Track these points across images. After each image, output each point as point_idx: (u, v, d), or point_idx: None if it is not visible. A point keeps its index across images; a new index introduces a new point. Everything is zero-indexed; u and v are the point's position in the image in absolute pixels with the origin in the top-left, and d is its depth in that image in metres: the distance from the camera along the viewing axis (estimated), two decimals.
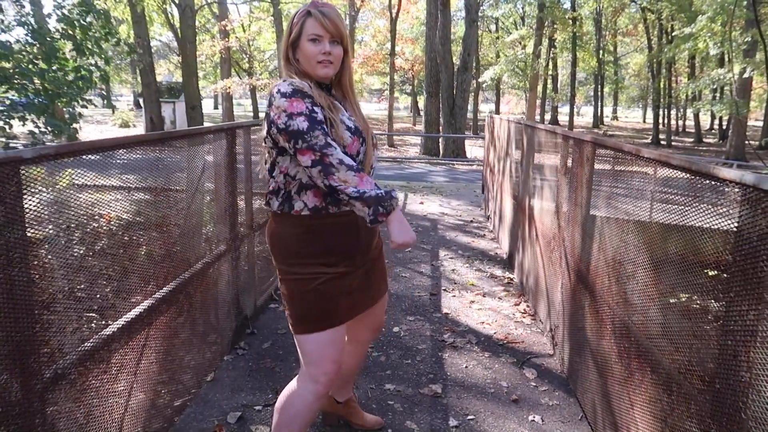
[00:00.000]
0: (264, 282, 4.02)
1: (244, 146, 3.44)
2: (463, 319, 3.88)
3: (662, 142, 29.86)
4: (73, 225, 1.87)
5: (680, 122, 38.26)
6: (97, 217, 2.10)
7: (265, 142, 1.80)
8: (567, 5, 29.94)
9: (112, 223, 2.24)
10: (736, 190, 1.46)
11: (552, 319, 3.48)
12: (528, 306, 4.13)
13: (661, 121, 31.71)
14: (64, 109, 6.74)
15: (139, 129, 23.63)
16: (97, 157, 1.95)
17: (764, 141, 21.41)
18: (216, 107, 44.13)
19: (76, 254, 1.87)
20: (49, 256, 1.73)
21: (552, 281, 3.52)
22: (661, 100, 30.76)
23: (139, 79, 25.86)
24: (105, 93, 8.75)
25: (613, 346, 2.47)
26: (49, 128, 5.76)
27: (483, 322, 3.84)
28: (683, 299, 2.13)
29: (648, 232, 2.26)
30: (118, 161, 2.16)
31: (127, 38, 21.73)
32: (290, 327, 1.94)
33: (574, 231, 3.04)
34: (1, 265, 1.49)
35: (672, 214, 1.99)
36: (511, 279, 4.80)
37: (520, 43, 32.80)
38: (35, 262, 1.65)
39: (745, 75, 17.46)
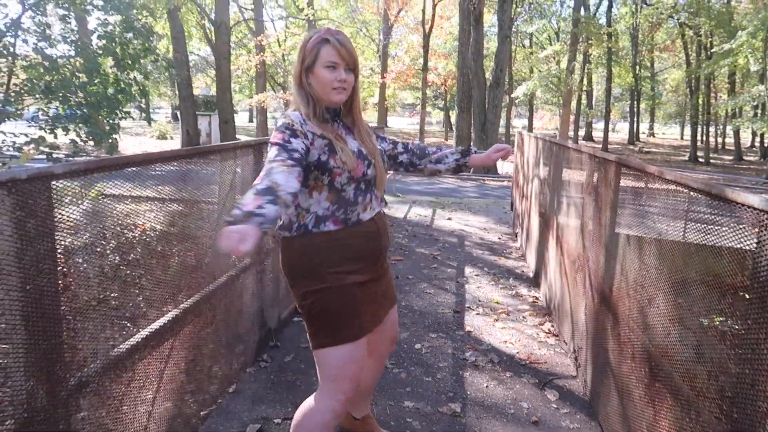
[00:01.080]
0: (288, 295, 4.07)
1: None
2: (485, 338, 3.86)
3: (700, 160, 29.17)
4: (102, 236, 1.94)
5: (719, 139, 37.34)
6: (131, 227, 2.18)
7: None
8: (602, 20, 29.67)
9: (146, 233, 2.31)
10: (753, 214, 1.44)
11: (576, 341, 3.44)
12: (552, 326, 4.08)
13: (699, 138, 31.00)
14: (105, 121, 6.99)
15: (175, 141, 24.22)
16: (133, 169, 2.03)
17: None
18: (251, 120, 44.92)
19: (104, 264, 1.94)
20: (81, 266, 1.80)
21: (576, 301, 3.48)
22: (700, 116, 30.12)
23: (177, 92, 26.56)
24: (143, 106, 9.03)
25: (635, 370, 2.42)
26: (90, 137, 5.97)
27: (506, 341, 3.81)
28: (703, 323, 2.09)
29: (670, 253, 2.23)
30: (153, 173, 2.24)
31: (165, 53, 22.40)
32: (310, 343, 1.97)
33: (598, 251, 3.01)
34: (31, 275, 1.57)
35: (695, 234, 1.96)
36: (537, 298, 4.75)
37: (554, 59, 32.60)
38: (64, 273, 1.73)
39: None
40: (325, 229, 1.85)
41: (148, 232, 2.29)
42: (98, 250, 1.94)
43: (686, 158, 30.66)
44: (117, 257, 2.07)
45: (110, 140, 6.24)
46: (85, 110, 6.36)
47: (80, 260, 1.84)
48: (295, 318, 4.08)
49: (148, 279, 2.23)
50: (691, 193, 2.02)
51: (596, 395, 2.95)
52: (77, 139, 6.11)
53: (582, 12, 24.56)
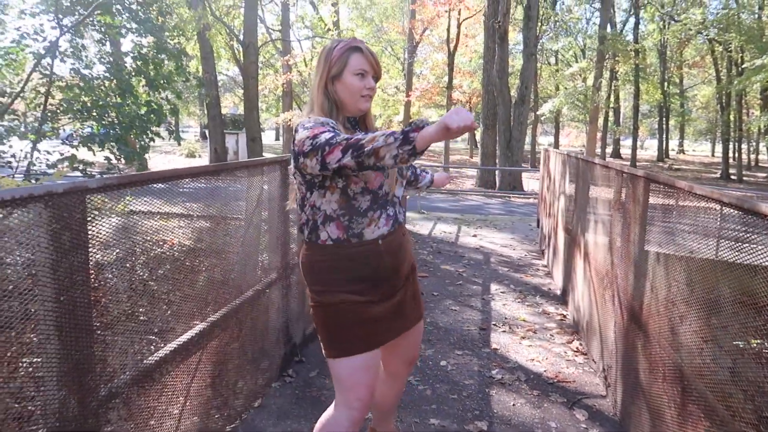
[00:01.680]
0: None
1: None
2: (512, 356, 3.81)
3: (732, 177, 28.55)
4: (133, 251, 1.98)
5: (752, 156, 36.52)
6: (160, 242, 2.22)
7: (295, 177, 1.88)
8: (629, 37, 29.46)
9: (175, 248, 2.35)
10: None
11: (605, 359, 3.37)
12: (581, 344, 4.01)
13: (731, 154, 30.37)
14: (136, 140, 7.16)
15: (204, 159, 24.65)
16: (163, 185, 2.08)
17: None
18: (277, 138, 45.53)
19: (134, 278, 1.98)
20: (112, 279, 1.84)
21: (605, 319, 3.42)
22: (732, 133, 29.54)
23: (205, 111, 27.09)
24: (173, 126, 9.25)
25: (668, 390, 2.36)
26: (122, 156, 6.13)
27: (533, 359, 3.75)
28: (738, 343, 2.03)
29: (702, 271, 2.18)
30: (182, 190, 2.28)
31: (195, 72, 22.92)
32: (323, 351, 1.97)
33: (627, 268, 2.96)
34: (65, 287, 1.60)
35: (728, 252, 1.92)
36: (564, 316, 4.67)
37: (580, 76, 32.40)
38: (96, 286, 1.76)
39: None
40: (329, 233, 1.84)
41: (176, 248, 2.33)
42: (128, 264, 1.98)
43: (718, 175, 30.03)
44: (146, 271, 2.11)
45: (140, 159, 6.39)
46: (118, 130, 6.54)
47: (111, 274, 1.88)
48: None
49: (176, 293, 2.27)
50: (723, 209, 1.98)
51: (627, 415, 2.88)
52: (111, 157, 6.28)
53: (608, 29, 24.39)
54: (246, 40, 10.79)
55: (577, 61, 33.79)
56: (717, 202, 1.86)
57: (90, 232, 1.69)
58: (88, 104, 6.90)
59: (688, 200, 2.36)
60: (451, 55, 23.71)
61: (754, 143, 35.44)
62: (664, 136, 38.72)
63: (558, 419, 2.99)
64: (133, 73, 7.81)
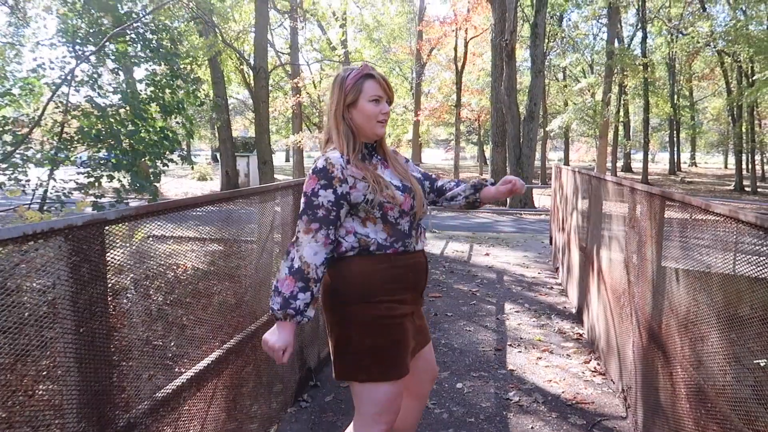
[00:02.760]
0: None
1: None
2: (529, 377, 3.77)
3: (747, 189, 28.28)
4: (148, 278, 1.99)
5: (766, 167, 36.19)
6: (174, 267, 2.24)
7: None
8: (637, 51, 29.49)
9: (187, 272, 2.36)
10: None
11: (624, 380, 3.32)
12: (598, 364, 3.96)
13: (744, 166, 30.12)
14: (149, 166, 7.23)
15: (215, 182, 24.86)
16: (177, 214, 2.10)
17: None
18: (287, 160, 45.85)
19: (152, 307, 1.99)
20: (130, 308, 1.86)
21: (623, 339, 3.37)
22: (744, 144, 29.34)
23: (216, 134, 27.36)
24: (184, 153, 9.36)
25: (690, 411, 2.32)
26: (134, 187, 6.18)
27: (550, 381, 3.71)
28: (760, 362, 2.00)
29: (723, 288, 2.15)
30: (195, 213, 2.29)
31: (206, 97, 23.23)
32: (362, 376, 1.89)
33: (644, 287, 2.93)
34: (85, 318, 1.62)
35: (749, 269, 1.90)
36: (581, 335, 4.62)
37: (589, 91, 32.44)
38: (114, 315, 1.78)
39: None
40: (385, 252, 1.88)
41: (189, 272, 2.34)
42: (145, 293, 1.99)
43: (732, 188, 29.76)
44: (162, 298, 2.12)
45: (152, 188, 6.44)
46: (130, 157, 6.60)
47: (128, 302, 1.90)
48: None
49: (192, 320, 2.27)
50: (740, 226, 1.96)
51: None
52: (121, 189, 6.33)
53: (616, 44, 24.48)
54: (256, 65, 10.94)
55: (585, 77, 33.85)
56: (733, 220, 1.84)
57: (108, 263, 1.71)
58: (103, 132, 7.00)
59: (704, 216, 2.34)
60: (459, 74, 23.88)
61: (767, 154, 35.13)
62: (676, 149, 38.53)
63: None
64: (148, 101, 7.94)
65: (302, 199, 1.83)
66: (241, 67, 22.15)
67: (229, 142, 19.69)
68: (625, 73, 26.49)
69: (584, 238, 4.92)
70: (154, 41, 8.24)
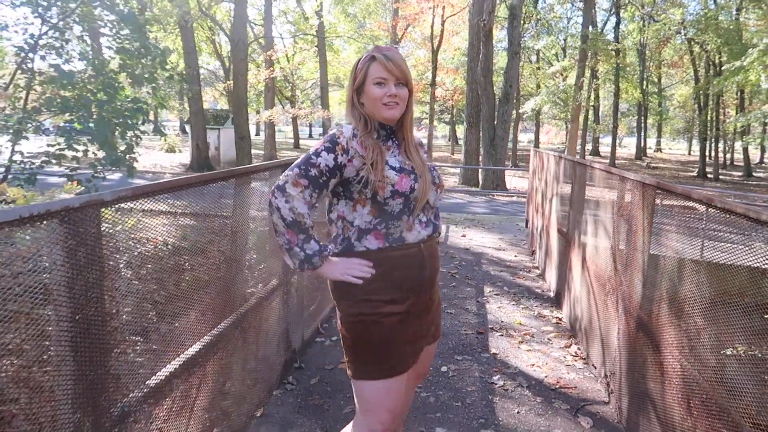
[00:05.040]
0: (311, 315, 4.03)
1: None
2: (512, 361, 3.80)
3: (709, 176, 29.08)
4: (144, 261, 1.91)
5: (728, 155, 37.24)
6: (167, 248, 2.14)
7: None
8: (610, 36, 29.76)
9: (180, 254, 2.27)
10: None
11: (607, 365, 3.37)
12: (579, 349, 4.02)
13: (707, 153, 30.92)
14: (120, 140, 6.97)
15: (184, 155, 24.30)
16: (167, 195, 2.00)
17: None
18: (257, 134, 45.16)
19: (145, 291, 1.91)
20: (124, 293, 1.77)
21: (607, 325, 3.42)
22: (708, 132, 30.07)
23: (185, 106, 26.69)
24: (152, 122, 9.09)
25: (678, 398, 2.36)
26: (108, 162, 5.96)
27: (533, 365, 3.75)
28: (755, 351, 2.04)
29: (713, 277, 2.18)
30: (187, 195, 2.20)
31: (176, 66, 22.55)
32: (349, 371, 1.91)
33: (633, 276, 2.95)
34: (81, 304, 1.53)
35: (743, 259, 1.92)
36: (560, 319, 4.68)
37: (562, 74, 32.67)
38: (110, 302, 1.69)
39: None
40: (367, 245, 1.81)
41: (183, 255, 2.25)
42: (139, 276, 1.91)
43: (695, 174, 30.57)
44: (155, 283, 2.03)
45: (128, 162, 6.22)
46: (103, 128, 6.34)
47: (123, 287, 1.81)
48: (317, 338, 4.04)
49: (184, 303, 2.20)
50: (729, 217, 1.99)
51: (632, 424, 2.88)
52: (96, 163, 6.08)
53: (590, 28, 24.61)
54: (235, 37, 10.60)
55: (558, 60, 34.05)
56: (744, 218, 1.85)
57: (104, 247, 1.63)
58: (71, 101, 6.71)
59: (694, 205, 2.37)
60: (435, 53, 23.71)
61: (729, 142, 36.13)
62: (643, 134, 39.30)
63: (563, 427, 2.98)
64: (118, 70, 7.64)
65: (301, 156, 1.80)
66: (213, 37, 21.57)
67: (200, 114, 19.22)
68: (598, 57, 26.70)
69: (565, 223, 4.95)
70: (120, 4, 7.90)
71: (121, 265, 1.78)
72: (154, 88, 8.32)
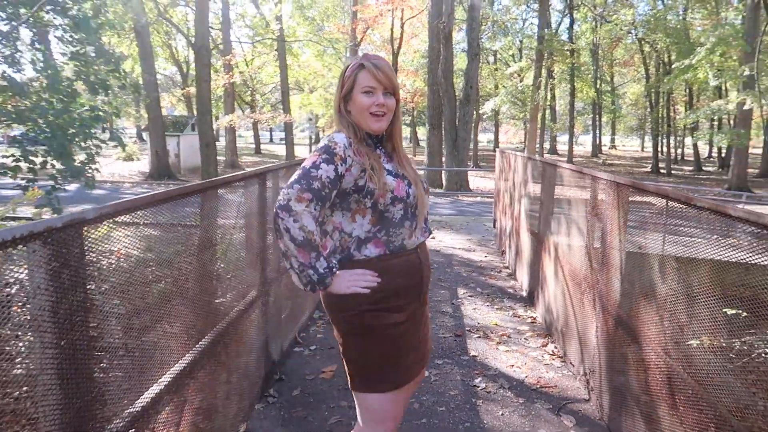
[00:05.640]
0: (289, 325, 3.97)
1: (273, 190, 3.43)
2: (492, 362, 3.82)
3: (662, 171, 30.03)
4: (128, 279, 1.83)
5: (678, 150, 38.55)
6: (151, 264, 2.07)
7: None
8: (564, 37, 30.44)
9: (163, 269, 2.19)
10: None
11: (586, 363, 3.43)
12: (556, 347, 4.07)
13: (659, 149, 31.94)
14: (78, 150, 6.73)
15: (143, 163, 23.70)
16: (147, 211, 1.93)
17: None
18: (217, 139, 44.41)
19: (130, 311, 1.84)
20: (108, 315, 1.70)
21: (584, 324, 3.47)
22: (660, 129, 31.06)
23: (142, 113, 26.06)
24: (111, 129, 8.82)
25: (662, 393, 2.41)
26: (67, 174, 5.74)
27: (512, 366, 3.78)
28: (737, 344, 2.10)
29: (691, 273, 2.24)
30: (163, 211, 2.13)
31: (131, 72, 22.00)
32: (353, 384, 1.88)
33: (610, 274, 3.01)
34: (65, 329, 1.46)
35: (719, 251, 1.98)
36: (534, 318, 4.74)
37: (519, 75, 33.25)
38: (94, 324, 1.62)
39: (746, 107, 17.64)
40: (367, 254, 1.77)
41: (165, 269, 2.18)
42: (123, 295, 1.83)
43: (648, 170, 31.52)
44: (140, 300, 1.96)
45: (88, 173, 6.00)
46: (59, 138, 6.11)
47: (107, 309, 1.74)
48: (295, 348, 3.98)
49: (168, 320, 2.13)
50: (701, 213, 2.05)
51: (614, 420, 2.93)
52: (57, 174, 5.85)
53: (545, 29, 25.13)
54: (198, 43, 10.34)
55: (515, 61, 34.66)
56: (722, 215, 1.90)
57: (88, 266, 1.56)
58: (25, 110, 6.45)
59: (667, 203, 2.43)
60: (395, 55, 23.78)
61: (680, 138, 37.39)
62: (598, 132, 40.31)
63: (547, 427, 3.01)
64: (74, 78, 7.40)
65: (297, 171, 1.71)
66: (169, 41, 21.12)
67: (158, 121, 18.78)
68: (554, 57, 27.28)
69: (536, 224, 5.02)
70: (74, 9, 7.65)
71: (105, 286, 1.71)
72: (111, 95, 8.09)
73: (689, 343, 2.29)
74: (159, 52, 23.23)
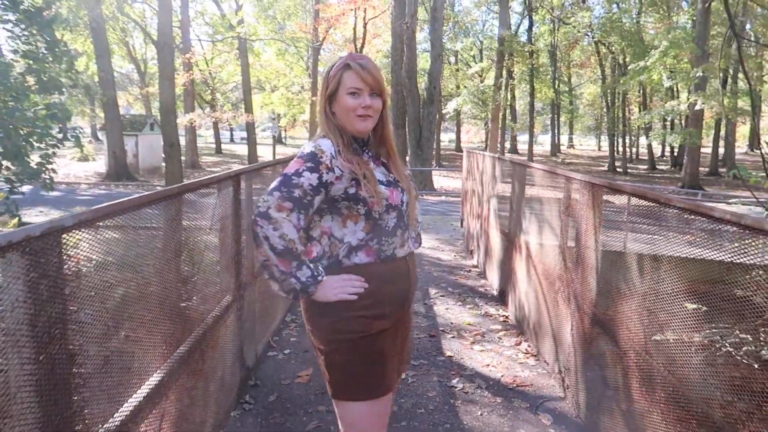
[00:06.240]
0: (262, 329, 3.89)
1: (246, 192, 3.36)
2: (467, 362, 3.83)
3: (618, 169, 30.86)
4: (107, 287, 1.75)
5: (633, 149, 39.70)
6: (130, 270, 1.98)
7: None
8: (524, 38, 30.93)
9: (140, 275, 2.11)
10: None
11: (561, 361, 3.47)
12: (530, 346, 4.11)
13: (615, 148, 32.82)
14: (33, 151, 6.48)
15: (100, 162, 22.98)
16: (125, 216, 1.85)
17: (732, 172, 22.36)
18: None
19: (109, 321, 1.75)
20: (86, 325, 1.62)
21: (558, 322, 3.52)
22: (616, 128, 31.92)
23: (97, 111, 25.30)
24: (66, 128, 8.53)
25: (640, 391, 2.46)
26: (23, 176, 5.50)
27: (488, 365, 3.80)
28: (715, 339, 2.16)
29: (667, 271, 2.28)
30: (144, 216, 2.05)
31: (86, 69, 21.30)
32: (332, 392, 1.84)
33: (586, 274, 3.05)
34: (44, 343, 1.38)
35: (696, 249, 2.03)
36: (506, 317, 4.78)
37: (480, 75, 33.67)
38: (73, 337, 1.54)
39: (697, 107, 18.28)
40: (356, 261, 1.73)
41: (141, 275, 2.09)
42: (102, 305, 1.75)
43: (605, 168, 32.34)
44: (119, 309, 1.88)
45: (46, 175, 5.77)
46: (13, 140, 5.86)
47: (84, 319, 1.65)
48: (269, 352, 3.91)
49: (147, 329, 2.05)
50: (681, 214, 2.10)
51: (591, 418, 2.97)
52: (13, 177, 5.60)
53: (505, 31, 25.49)
54: (161, 40, 10.01)
55: (476, 62, 35.07)
56: (701, 215, 1.94)
57: (67, 276, 1.48)
58: None
59: (639, 202, 2.49)
60: None
61: (634, 138, 38.51)
62: (556, 131, 41.18)
63: (526, 426, 3.03)
64: (24, 74, 7.12)
65: (278, 178, 1.66)
66: (126, 38, 20.56)
67: (116, 120, 18.23)
68: (514, 58, 27.69)
69: (507, 223, 5.07)
70: (26, 2, 7.35)
71: (84, 296, 1.63)
72: (66, 94, 7.82)
73: (655, 338, 2.36)
74: (115, 49, 22.56)
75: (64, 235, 1.47)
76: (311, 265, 1.67)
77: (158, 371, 2.11)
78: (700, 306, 2.03)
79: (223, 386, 2.96)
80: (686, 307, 2.14)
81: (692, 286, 2.09)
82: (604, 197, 2.89)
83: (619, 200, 2.83)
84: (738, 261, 1.78)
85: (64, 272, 1.47)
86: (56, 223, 1.42)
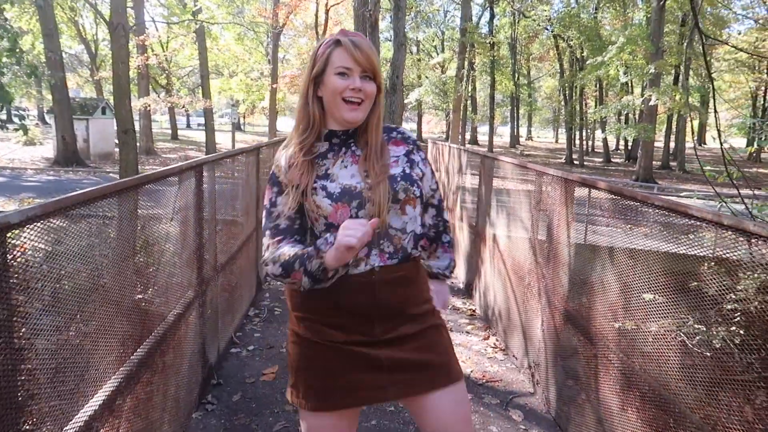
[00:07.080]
0: (225, 324, 3.74)
1: (209, 183, 3.19)
2: None
3: (575, 162, 31.49)
4: (56, 288, 1.60)
5: (589, 142, 40.58)
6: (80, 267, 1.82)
7: None
8: (485, 30, 31.09)
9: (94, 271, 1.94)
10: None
11: (530, 357, 3.45)
12: (498, 340, 4.09)
13: (572, 141, 33.47)
14: None
15: (47, 147, 22.00)
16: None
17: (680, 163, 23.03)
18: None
19: (60, 325, 1.60)
20: (36, 332, 1.46)
21: (528, 318, 3.49)
22: (573, 122, 32.54)
23: (44, 93, 24.19)
24: (9, 110, 8.09)
25: (610, 386, 2.44)
26: None
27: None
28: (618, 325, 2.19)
29: (639, 265, 2.27)
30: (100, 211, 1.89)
31: (31, 49, 20.29)
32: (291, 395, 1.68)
33: (558, 269, 3.02)
34: None
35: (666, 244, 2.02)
36: (474, 311, 4.76)
37: (442, 66, 33.71)
38: (19, 344, 1.39)
39: (651, 102, 18.75)
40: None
41: (94, 271, 1.93)
42: (51, 308, 1.59)
43: (563, 160, 32.94)
44: (69, 311, 1.72)
45: None
46: None
47: (33, 324, 1.50)
48: (232, 349, 3.76)
49: (100, 332, 1.89)
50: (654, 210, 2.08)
51: (561, 412, 2.96)
52: None
53: (467, 22, 25.55)
54: (114, 21, 9.46)
55: (437, 52, 35.10)
56: (681, 214, 1.91)
57: (12, 279, 1.32)
58: None
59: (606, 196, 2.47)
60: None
61: (590, 131, 39.35)
62: (516, 123, 41.68)
63: (497, 422, 3.00)
64: None
65: (263, 215, 1.57)
66: (76, 18, 19.67)
67: (65, 103, 17.45)
68: (475, 50, 27.81)
69: (474, 216, 5.03)
70: None
71: (30, 298, 1.47)
72: (10, 75, 7.39)
73: (616, 325, 2.37)
74: (63, 29, 21.56)
75: (9, 234, 1.31)
76: (314, 252, 1.44)
77: (116, 375, 1.96)
78: (655, 297, 2.08)
79: (184, 386, 2.82)
80: (644, 298, 2.17)
81: (658, 279, 2.10)
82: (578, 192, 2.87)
83: (589, 193, 2.79)
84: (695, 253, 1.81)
85: (9, 274, 1.31)
86: (1, 219, 1.27)
